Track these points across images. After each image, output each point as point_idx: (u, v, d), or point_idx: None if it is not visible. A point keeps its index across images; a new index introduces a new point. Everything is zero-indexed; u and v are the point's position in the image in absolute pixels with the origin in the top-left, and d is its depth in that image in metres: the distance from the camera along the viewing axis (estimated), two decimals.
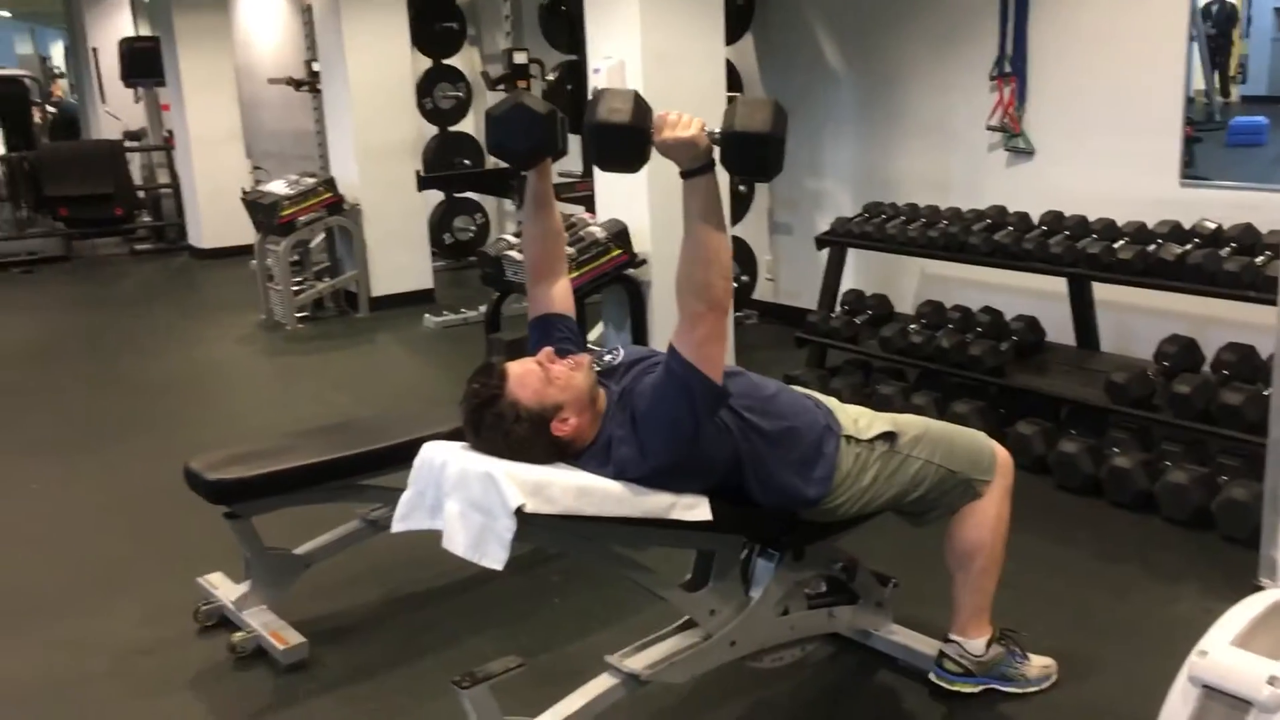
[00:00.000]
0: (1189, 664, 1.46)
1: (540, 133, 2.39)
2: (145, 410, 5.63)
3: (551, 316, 2.56)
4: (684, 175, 2.14)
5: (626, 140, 2.15)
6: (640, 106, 2.15)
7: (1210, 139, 4.52)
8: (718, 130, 2.12)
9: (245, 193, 7.60)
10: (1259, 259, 3.65)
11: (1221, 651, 1.44)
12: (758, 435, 2.35)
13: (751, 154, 2.13)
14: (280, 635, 3.04)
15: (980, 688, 2.66)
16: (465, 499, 2.14)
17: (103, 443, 5.11)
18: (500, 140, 2.42)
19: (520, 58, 7.07)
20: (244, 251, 9.13)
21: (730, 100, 2.14)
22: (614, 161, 2.25)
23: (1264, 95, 4.67)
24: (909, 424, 2.57)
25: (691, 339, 2.15)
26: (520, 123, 2.38)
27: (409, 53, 7.68)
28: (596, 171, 5.15)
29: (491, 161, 9.01)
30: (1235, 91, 4.76)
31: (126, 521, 4.16)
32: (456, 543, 2.14)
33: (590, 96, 2.19)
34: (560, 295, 2.59)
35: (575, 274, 4.64)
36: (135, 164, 11.27)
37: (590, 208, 5.65)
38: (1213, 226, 3.96)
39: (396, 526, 2.28)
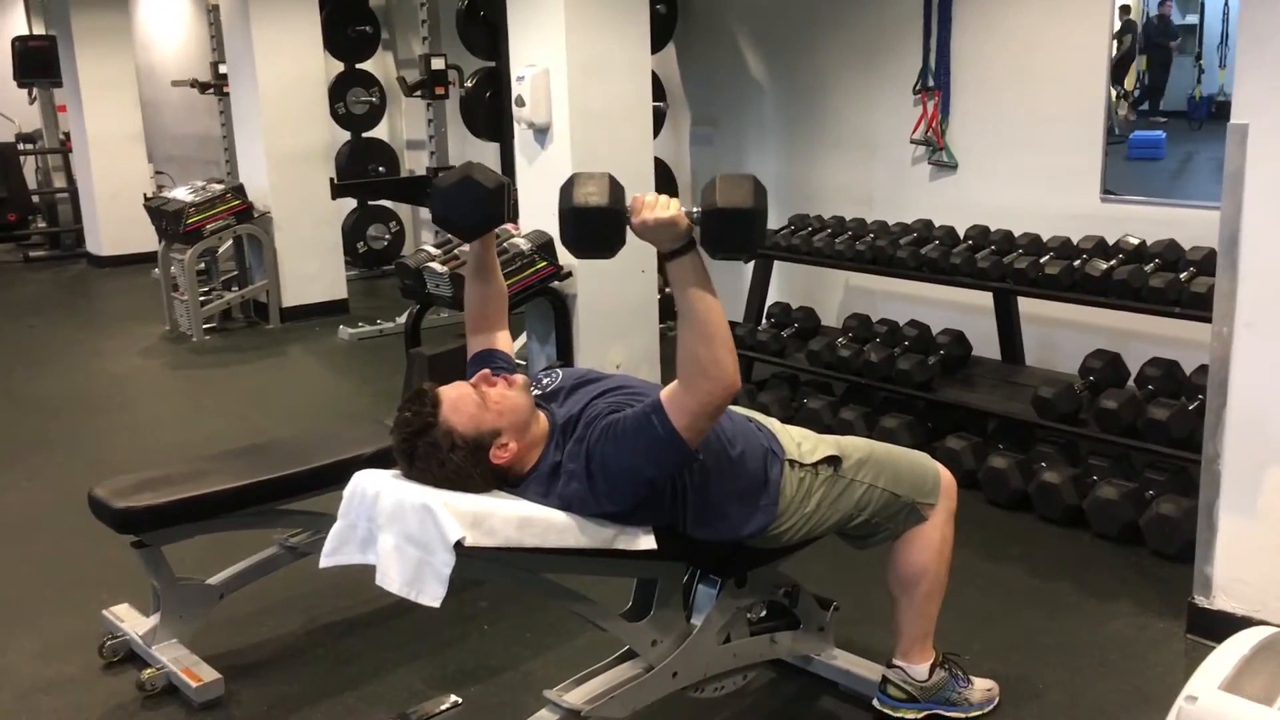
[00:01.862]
0: (1178, 709, 1.41)
1: (488, 208, 2.36)
2: (41, 429, 5.35)
3: (492, 351, 2.52)
4: (666, 257, 2.07)
5: (603, 225, 2.08)
6: (615, 189, 2.08)
7: (1111, 153, 4.59)
8: (696, 209, 2.06)
9: (148, 198, 7.33)
10: (1183, 275, 3.70)
11: (1211, 696, 1.39)
12: (701, 469, 2.26)
13: (734, 230, 2.07)
14: (193, 671, 2.88)
15: (924, 713, 2.62)
16: (400, 532, 2.03)
17: None
18: (446, 213, 2.38)
19: (438, 63, 6.94)
20: (145, 259, 8.85)
21: (710, 182, 2.07)
22: (591, 247, 2.15)
23: (1161, 110, 4.77)
24: (853, 447, 2.53)
25: (688, 411, 2.07)
26: (468, 198, 2.34)
27: (321, 56, 7.49)
28: (520, 181, 5.04)
29: (406, 168, 8.89)
30: (1124, 107, 4.85)
31: (23, 550, 3.93)
32: (391, 579, 2.03)
33: (564, 185, 2.11)
34: (501, 342, 2.56)
35: None
36: (29, 167, 10.84)
37: (513, 218, 5.54)
38: (1136, 242, 4.00)
39: (325, 561, 2.15)
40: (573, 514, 2.17)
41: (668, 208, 2.04)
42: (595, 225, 2.08)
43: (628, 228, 2.09)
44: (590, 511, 2.17)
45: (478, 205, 2.35)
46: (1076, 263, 3.98)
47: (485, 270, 2.55)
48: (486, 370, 2.29)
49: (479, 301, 2.56)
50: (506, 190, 2.38)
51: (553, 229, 4.73)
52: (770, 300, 5.33)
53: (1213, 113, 4.44)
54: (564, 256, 4.75)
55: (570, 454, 2.19)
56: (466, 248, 4.80)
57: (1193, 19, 4.84)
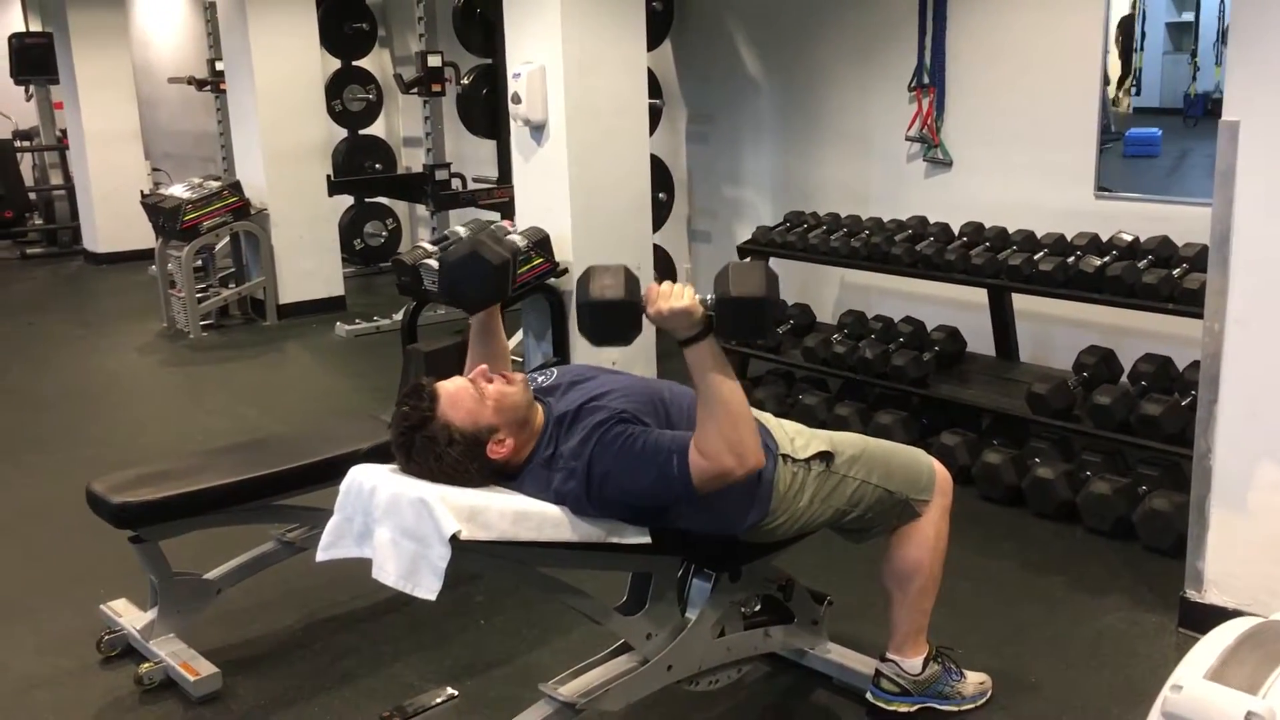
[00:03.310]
0: (1163, 699, 1.43)
1: (494, 284, 2.43)
2: (39, 425, 5.36)
3: None
4: (683, 344, 2.13)
5: (619, 316, 2.15)
6: (630, 282, 2.15)
7: (1108, 150, 4.61)
8: (709, 296, 2.14)
9: (145, 195, 7.33)
10: (1176, 271, 3.72)
11: (1196, 685, 1.41)
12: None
13: (747, 318, 2.15)
14: (190, 665, 2.89)
15: (917, 706, 2.64)
16: (397, 526, 2.04)
17: None
18: (452, 288, 2.48)
19: (434, 60, 6.94)
20: (142, 256, 8.85)
21: (722, 271, 2.17)
22: (607, 337, 2.22)
23: (1157, 107, 4.79)
24: (846, 443, 2.54)
25: (706, 474, 2.13)
26: (474, 274, 2.41)
27: (318, 53, 7.49)
28: (516, 178, 5.06)
29: (403, 165, 8.90)
30: (1127, 102, 4.86)
31: (20, 545, 3.95)
32: (387, 572, 2.05)
33: (580, 279, 2.19)
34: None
35: None
36: (26, 164, 10.82)
37: (509, 214, 5.56)
38: (1129, 238, 4.02)
39: (322, 555, 2.17)
40: (567, 509, 2.18)
41: (682, 297, 2.11)
42: (612, 317, 2.15)
43: (644, 317, 2.16)
44: (580, 513, 2.20)
45: (485, 282, 2.42)
46: (1070, 259, 4.00)
47: (488, 335, 2.57)
48: (484, 366, 2.30)
49: (480, 359, 2.55)
50: (512, 266, 2.43)
51: (549, 225, 4.76)
52: None
53: (1209, 110, 4.46)
54: (560, 252, 4.76)
55: (572, 451, 2.20)
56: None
57: (1189, 16, 4.87)
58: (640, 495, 2.18)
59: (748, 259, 2.10)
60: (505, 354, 2.62)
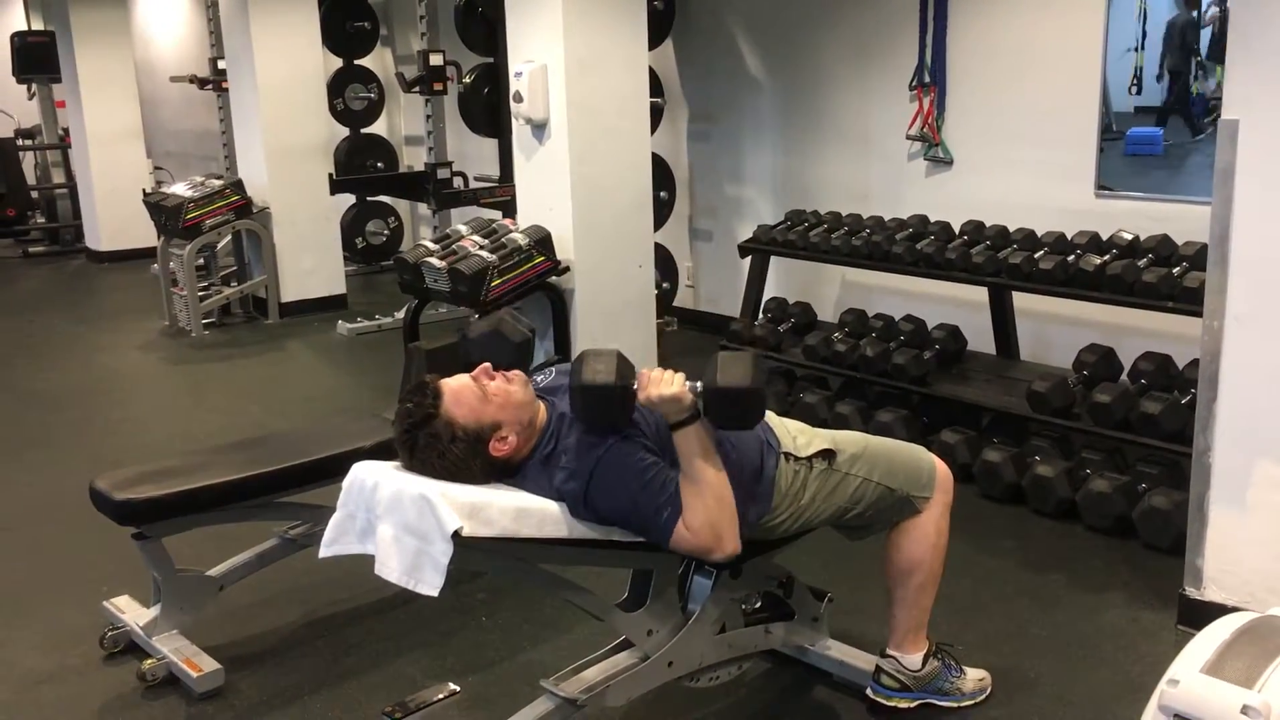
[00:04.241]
0: (1159, 693, 1.44)
1: (513, 360, 2.55)
2: (42, 423, 5.38)
3: None
4: (672, 427, 2.21)
5: (611, 400, 2.20)
6: (623, 366, 2.21)
7: (1109, 149, 4.61)
8: (699, 383, 2.21)
9: (147, 194, 7.35)
10: (1176, 270, 3.72)
11: (1193, 680, 1.42)
12: None
13: (734, 407, 2.23)
14: (193, 662, 2.90)
15: (917, 702, 2.65)
16: (399, 522, 2.06)
17: None
18: (476, 361, 2.54)
19: (436, 59, 6.94)
20: (144, 254, 8.86)
21: (711, 360, 2.27)
22: (599, 419, 2.27)
23: (1158, 106, 4.78)
24: (848, 441, 2.55)
25: (686, 543, 2.21)
26: (496, 350, 2.59)
27: (320, 52, 7.50)
28: (518, 177, 5.07)
29: (405, 164, 8.91)
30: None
31: (24, 542, 3.96)
32: (390, 568, 2.06)
33: (575, 361, 2.29)
34: None
35: (498, 282, 4.56)
36: (28, 163, 10.83)
37: (511, 213, 5.57)
38: (1129, 237, 4.03)
39: (325, 551, 2.18)
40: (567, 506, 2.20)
41: (671, 384, 2.19)
42: (603, 400, 2.20)
43: (634, 402, 2.22)
44: (576, 515, 2.24)
45: (505, 358, 2.53)
46: (1070, 258, 4.01)
47: None
48: (487, 364, 2.31)
49: None
50: (531, 344, 2.62)
51: (550, 224, 4.78)
52: (767, 295, 5.36)
53: (1209, 109, 4.45)
54: (561, 251, 4.77)
55: (575, 452, 2.22)
56: (465, 242, 4.84)
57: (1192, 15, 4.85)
58: (623, 520, 2.24)
59: (739, 351, 2.26)
60: None
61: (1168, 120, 4.47)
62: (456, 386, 2.21)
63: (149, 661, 2.93)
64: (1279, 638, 1.48)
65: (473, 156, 7.80)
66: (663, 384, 2.20)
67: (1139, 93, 4.75)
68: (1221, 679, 1.40)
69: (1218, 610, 2.87)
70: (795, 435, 2.50)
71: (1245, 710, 1.35)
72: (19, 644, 3.19)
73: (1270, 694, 1.39)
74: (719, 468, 2.22)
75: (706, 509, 2.19)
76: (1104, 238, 4.10)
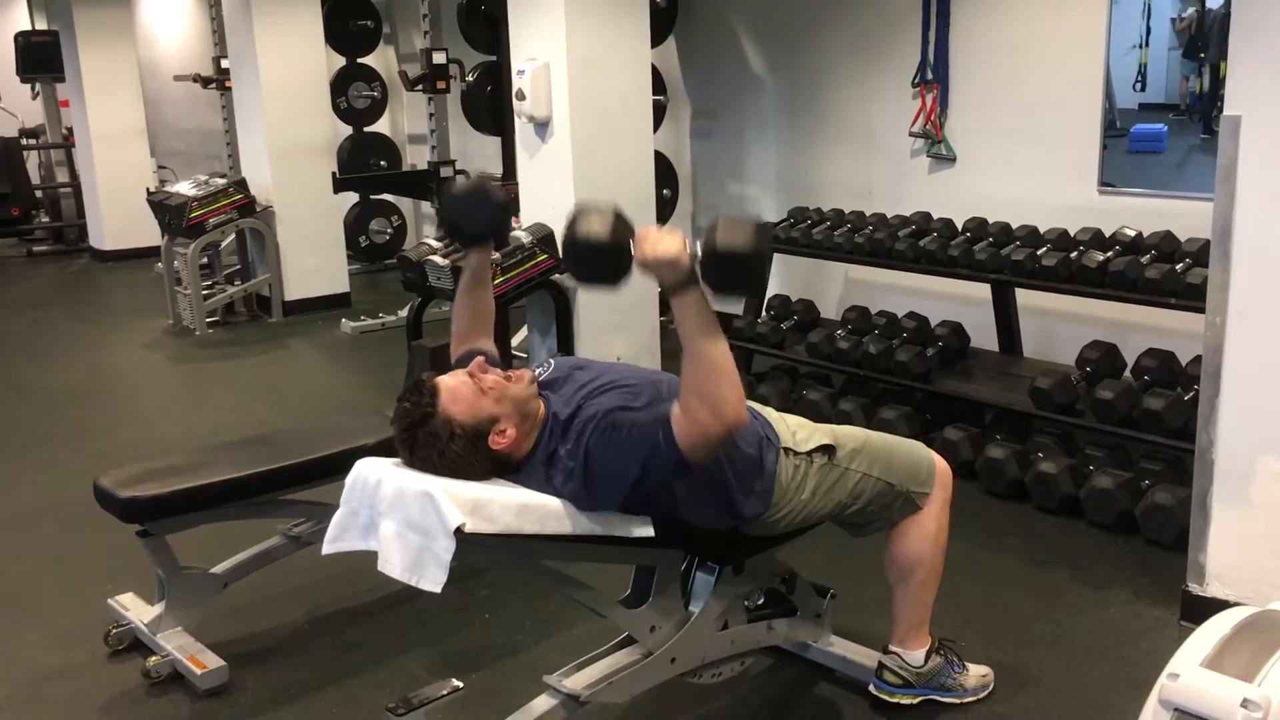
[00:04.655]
0: (1160, 686, 1.44)
1: (495, 219, 2.54)
2: (47, 421, 5.39)
3: (480, 350, 2.52)
4: (670, 293, 2.09)
5: (606, 258, 2.12)
6: (620, 224, 2.11)
7: (1113, 145, 4.61)
8: (699, 245, 2.07)
9: (151, 193, 7.36)
10: (1179, 266, 3.72)
11: (1192, 674, 1.42)
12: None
13: (734, 272, 2.09)
14: (197, 659, 2.91)
15: (919, 698, 2.66)
16: (402, 519, 2.06)
17: (1, 456, 4.87)
18: (455, 220, 2.56)
19: (439, 58, 6.95)
20: (148, 254, 8.87)
21: (712, 222, 2.10)
22: (594, 279, 2.22)
23: (1162, 103, 4.79)
24: (848, 436, 2.55)
25: (689, 436, 2.08)
26: (478, 209, 2.53)
27: (323, 50, 7.52)
28: (521, 175, 5.07)
29: (408, 162, 8.91)
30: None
31: (29, 539, 3.97)
32: (392, 564, 2.06)
33: (571, 216, 2.17)
34: (486, 347, 2.60)
35: (500, 280, 4.56)
36: (32, 162, 10.85)
37: (514, 211, 5.57)
38: (1132, 234, 4.03)
39: (328, 548, 2.18)
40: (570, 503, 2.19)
41: (670, 246, 2.04)
42: (598, 258, 2.12)
43: (631, 262, 2.12)
44: (585, 509, 2.20)
45: (488, 217, 2.53)
46: (1073, 254, 4.01)
47: (478, 285, 2.64)
48: (481, 358, 2.31)
49: (469, 314, 2.64)
50: (510, 208, 2.54)
51: (553, 222, 4.77)
52: (770, 293, 5.35)
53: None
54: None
55: (569, 451, 2.21)
56: None
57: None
58: (641, 480, 2.15)
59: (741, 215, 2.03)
60: (492, 309, 2.70)
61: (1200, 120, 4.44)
62: (453, 384, 2.21)
63: (153, 658, 2.94)
64: (1278, 632, 1.48)
65: (475, 155, 7.80)
66: (660, 244, 2.04)
67: (1143, 89, 4.76)
68: (1221, 673, 1.41)
69: (1220, 606, 2.85)
70: (795, 430, 2.50)
71: (1245, 704, 1.35)
72: (24, 641, 3.20)
73: (1270, 688, 1.39)
74: (718, 337, 2.08)
75: (697, 382, 2.06)
76: (1107, 234, 4.10)
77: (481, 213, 2.53)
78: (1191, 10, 4.29)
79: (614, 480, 2.17)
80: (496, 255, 4.63)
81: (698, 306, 2.07)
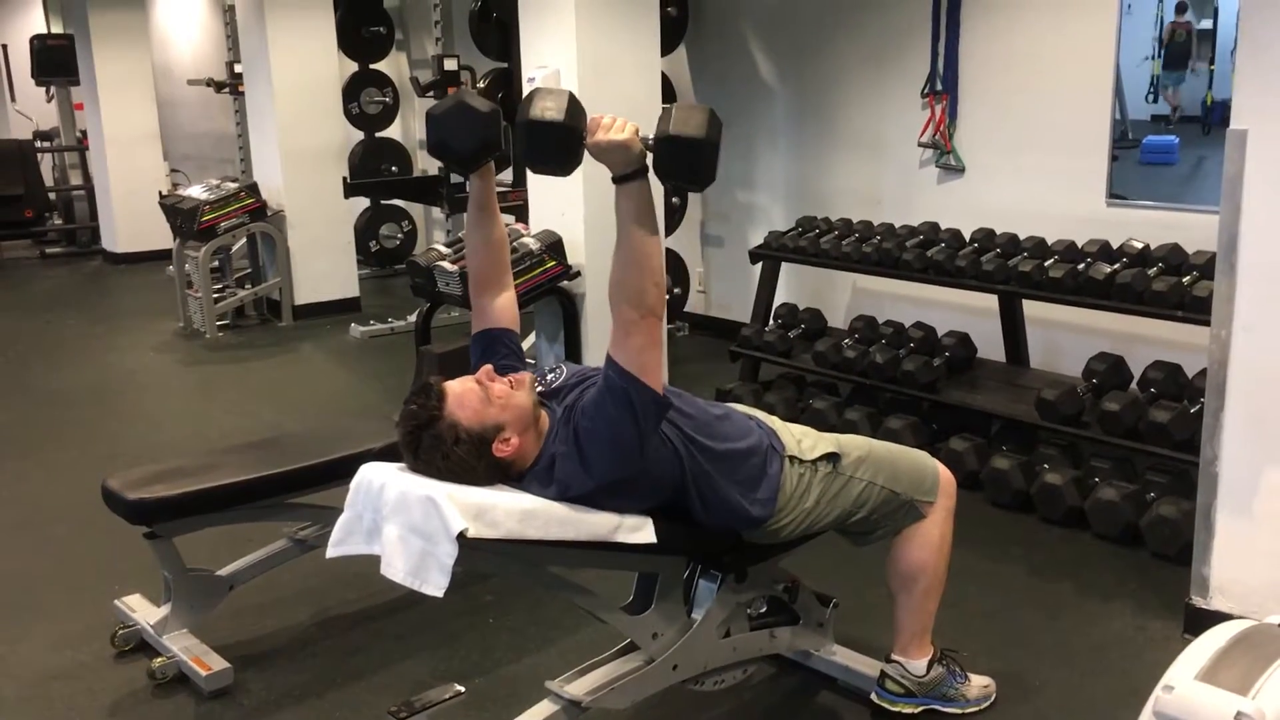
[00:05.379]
0: (1154, 699, 1.45)
1: (484, 132, 2.32)
2: (57, 422, 5.42)
3: (494, 331, 2.51)
4: (616, 180, 2.10)
5: (558, 141, 2.09)
6: (574, 107, 2.09)
7: (1124, 157, 4.61)
8: (651, 135, 2.06)
9: (163, 196, 7.40)
10: (1185, 279, 3.72)
11: (1187, 686, 1.43)
12: (704, 455, 2.32)
13: (685, 160, 2.07)
14: (203, 660, 2.92)
15: (921, 708, 2.66)
16: (405, 523, 2.07)
17: (11, 457, 4.90)
18: (442, 140, 2.34)
19: (450, 64, 6.98)
20: (160, 256, 8.91)
21: (665, 110, 2.09)
22: (545, 162, 2.17)
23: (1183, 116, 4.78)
24: (852, 445, 2.56)
25: (627, 347, 2.10)
26: (463, 122, 2.31)
27: (335, 56, 7.55)
28: (530, 182, 5.09)
29: (419, 168, 8.95)
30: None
31: (38, 540, 3.99)
32: (395, 568, 2.07)
33: (524, 99, 2.14)
34: (504, 308, 2.54)
35: None
36: (46, 165, 10.92)
37: (523, 218, 5.59)
38: (1140, 246, 4.03)
39: (332, 551, 2.19)
40: (573, 505, 2.19)
41: (623, 130, 2.06)
42: (550, 141, 2.09)
43: (583, 148, 2.10)
44: (585, 488, 2.18)
45: (474, 130, 2.31)
46: (1081, 266, 4.01)
47: (484, 211, 2.50)
48: (489, 366, 2.32)
49: (481, 247, 2.52)
50: (500, 116, 2.35)
51: (562, 229, 4.79)
52: (778, 301, 5.36)
53: (1225, 118, 4.45)
54: (573, 256, 4.79)
55: (563, 439, 2.23)
56: None
57: (1207, 24, 4.86)
58: (618, 426, 2.12)
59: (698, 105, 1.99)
60: (505, 241, 2.57)
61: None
62: (460, 389, 2.22)
63: (159, 660, 2.95)
64: (1274, 645, 1.48)
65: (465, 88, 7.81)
66: (613, 130, 2.05)
67: (1155, 101, 4.75)
68: (1216, 686, 1.41)
69: (1224, 619, 2.86)
70: (800, 439, 2.51)
71: (1239, 717, 1.35)
72: (31, 640, 3.22)
73: (1264, 701, 1.39)
74: (652, 230, 2.09)
75: (622, 274, 2.08)
76: (1115, 246, 4.10)
77: (468, 126, 2.31)
78: (1187, 18, 4.29)
79: (605, 444, 2.15)
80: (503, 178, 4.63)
81: (640, 196, 2.08)
